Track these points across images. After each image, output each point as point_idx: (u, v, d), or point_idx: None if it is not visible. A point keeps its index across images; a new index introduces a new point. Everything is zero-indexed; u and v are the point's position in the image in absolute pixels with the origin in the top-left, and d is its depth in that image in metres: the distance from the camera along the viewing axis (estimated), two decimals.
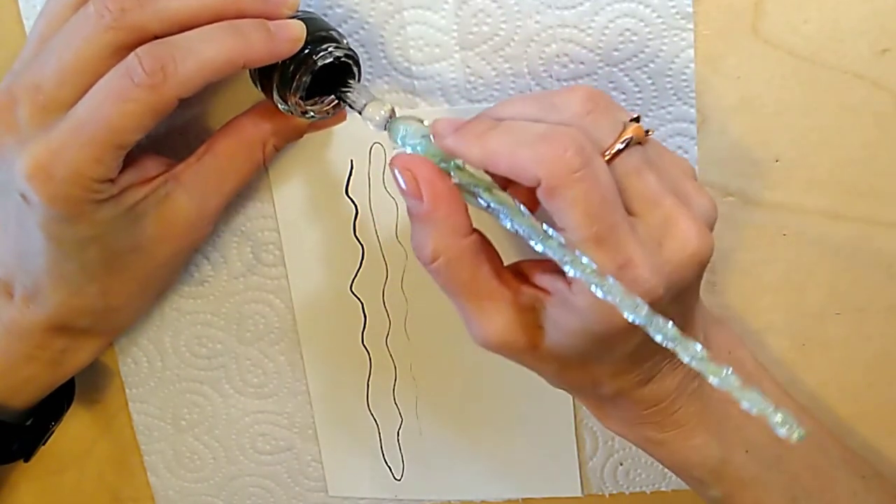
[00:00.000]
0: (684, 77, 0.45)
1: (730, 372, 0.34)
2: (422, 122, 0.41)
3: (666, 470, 0.54)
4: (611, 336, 0.38)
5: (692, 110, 0.46)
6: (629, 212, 0.38)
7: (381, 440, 0.56)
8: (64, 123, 0.40)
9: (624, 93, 0.46)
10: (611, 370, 0.41)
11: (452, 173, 0.39)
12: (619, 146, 0.37)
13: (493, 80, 0.47)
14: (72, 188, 0.40)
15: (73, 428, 0.58)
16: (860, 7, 0.44)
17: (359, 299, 0.52)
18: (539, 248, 0.37)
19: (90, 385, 0.57)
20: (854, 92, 0.45)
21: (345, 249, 0.51)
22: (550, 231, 0.36)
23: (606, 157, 0.37)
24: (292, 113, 0.44)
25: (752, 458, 0.44)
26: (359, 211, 0.50)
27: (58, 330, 0.47)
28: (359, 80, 0.43)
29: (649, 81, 0.46)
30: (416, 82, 0.47)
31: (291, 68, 0.42)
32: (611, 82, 0.46)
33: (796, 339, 0.51)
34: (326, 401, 0.55)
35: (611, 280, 0.35)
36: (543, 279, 0.40)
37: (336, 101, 0.44)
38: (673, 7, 0.44)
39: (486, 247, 0.41)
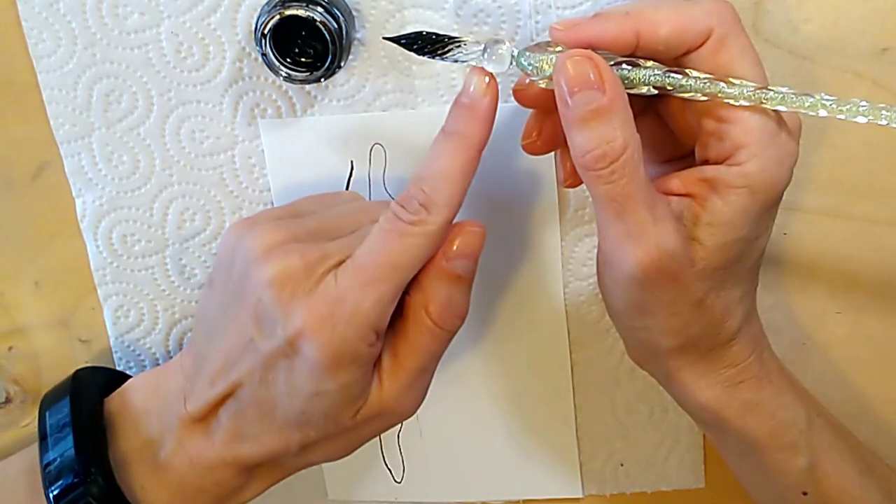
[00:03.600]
0: None
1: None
2: (547, 45, 0.40)
3: (666, 470, 0.54)
4: (768, 205, 0.39)
5: None
6: None
7: (380, 443, 0.56)
8: (344, 272, 0.41)
9: None
10: (740, 292, 0.41)
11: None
12: None
13: None
14: (350, 332, 0.40)
15: None
16: (860, 6, 0.44)
17: None
18: (729, 96, 0.37)
19: None
20: (854, 91, 0.45)
21: None
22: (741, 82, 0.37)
23: None
24: (272, 68, 0.45)
25: (825, 422, 0.44)
26: None
27: (247, 469, 0.45)
28: (338, 54, 0.44)
29: None
30: (416, 82, 0.47)
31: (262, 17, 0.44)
32: None
33: (797, 339, 0.51)
34: None
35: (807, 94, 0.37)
36: (685, 183, 0.40)
37: (319, 70, 0.45)
38: None
39: None
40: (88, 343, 0.55)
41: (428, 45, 0.40)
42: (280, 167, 0.50)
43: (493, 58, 0.40)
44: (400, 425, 0.55)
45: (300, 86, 0.48)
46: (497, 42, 0.40)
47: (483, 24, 0.45)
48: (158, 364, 0.55)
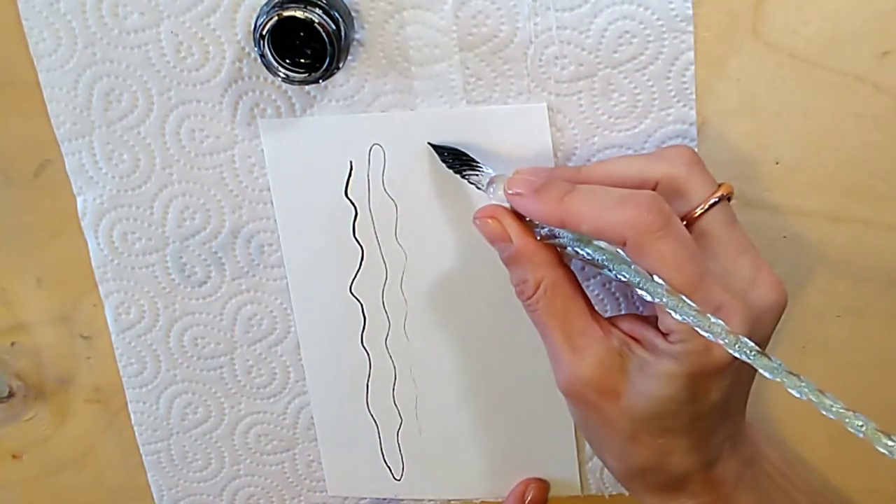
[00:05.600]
0: (684, 79, 0.45)
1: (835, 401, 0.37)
2: None
3: None
4: (701, 380, 0.40)
5: (692, 112, 0.46)
6: (718, 259, 0.41)
7: (380, 440, 0.56)
8: None
9: (624, 95, 0.46)
10: (684, 443, 0.42)
11: (561, 233, 0.42)
12: (714, 199, 0.42)
13: (493, 82, 0.47)
14: None
15: (73, 428, 0.58)
16: (861, 9, 0.44)
17: (358, 300, 0.52)
18: (645, 294, 0.39)
19: (90, 385, 0.57)
20: (854, 94, 0.45)
21: (344, 250, 0.51)
22: (655, 277, 0.39)
23: (705, 207, 0.42)
24: (270, 69, 0.44)
25: None
26: (358, 212, 0.50)
27: None
28: (337, 55, 0.44)
29: (649, 84, 0.45)
30: (415, 83, 0.47)
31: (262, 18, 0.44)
32: (610, 84, 0.46)
33: (797, 342, 0.51)
34: (326, 401, 0.55)
35: (713, 319, 0.38)
36: (633, 327, 0.42)
37: (317, 71, 0.44)
38: (673, 9, 0.44)
39: (578, 284, 0.44)
40: (90, 339, 0.55)
41: (457, 160, 0.46)
42: (280, 167, 0.50)
43: (499, 193, 0.44)
44: (399, 423, 0.55)
45: (299, 86, 0.48)
46: (501, 179, 0.44)
47: (482, 25, 0.45)
48: (160, 361, 0.55)
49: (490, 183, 0.45)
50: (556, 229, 0.42)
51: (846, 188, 0.47)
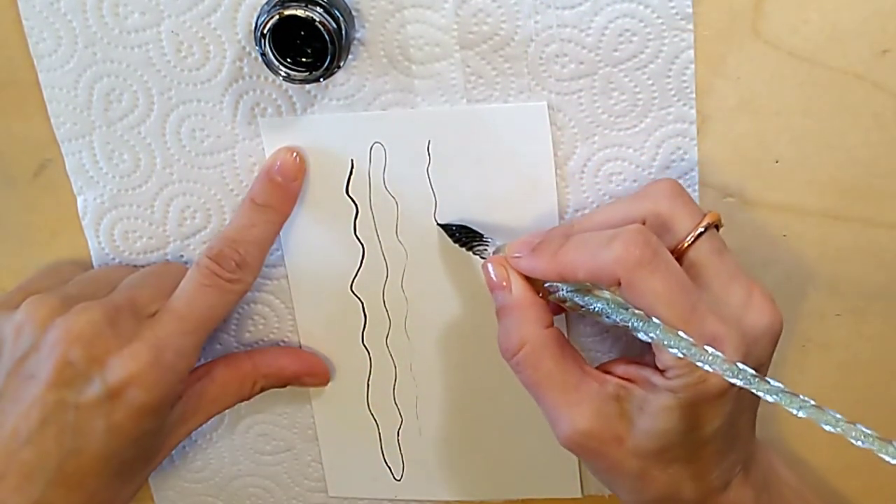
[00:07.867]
0: (684, 78, 0.45)
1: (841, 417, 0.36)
2: None
3: None
4: (700, 409, 0.40)
5: (692, 111, 0.46)
6: (710, 288, 0.42)
7: (380, 440, 0.56)
8: (161, 322, 0.46)
9: (624, 93, 0.46)
10: (692, 470, 0.42)
11: (560, 286, 0.44)
12: (701, 229, 0.43)
13: (493, 80, 0.47)
14: (173, 375, 0.46)
15: None
16: (860, 8, 0.44)
17: (359, 299, 0.52)
18: (642, 335, 0.40)
19: None
20: (854, 93, 0.45)
21: (345, 249, 0.51)
22: (653, 319, 0.39)
23: (691, 239, 0.42)
24: (271, 68, 0.44)
25: None
26: (359, 210, 0.50)
27: None
28: (338, 54, 0.44)
29: (649, 82, 0.46)
30: (415, 81, 0.47)
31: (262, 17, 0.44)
32: (610, 83, 0.46)
33: (796, 341, 0.51)
34: (326, 401, 0.55)
35: (710, 350, 0.38)
36: (628, 370, 0.43)
37: (318, 70, 0.44)
38: (673, 8, 0.44)
39: (566, 341, 0.44)
40: None
41: (465, 235, 0.48)
42: None
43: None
44: (400, 422, 0.55)
45: (300, 85, 0.48)
46: (504, 247, 0.46)
47: (483, 23, 0.45)
48: None
49: (496, 251, 0.47)
50: (556, 284, 0.44)
51: (846, 187, 0.47)
